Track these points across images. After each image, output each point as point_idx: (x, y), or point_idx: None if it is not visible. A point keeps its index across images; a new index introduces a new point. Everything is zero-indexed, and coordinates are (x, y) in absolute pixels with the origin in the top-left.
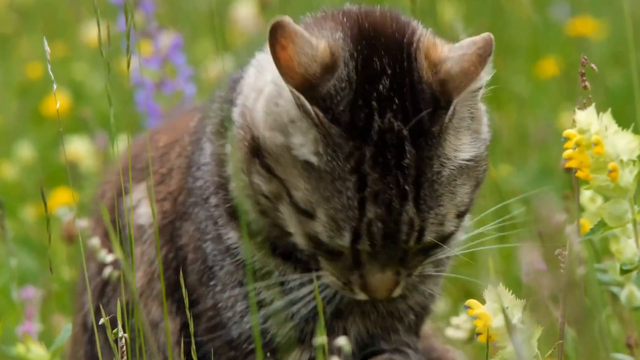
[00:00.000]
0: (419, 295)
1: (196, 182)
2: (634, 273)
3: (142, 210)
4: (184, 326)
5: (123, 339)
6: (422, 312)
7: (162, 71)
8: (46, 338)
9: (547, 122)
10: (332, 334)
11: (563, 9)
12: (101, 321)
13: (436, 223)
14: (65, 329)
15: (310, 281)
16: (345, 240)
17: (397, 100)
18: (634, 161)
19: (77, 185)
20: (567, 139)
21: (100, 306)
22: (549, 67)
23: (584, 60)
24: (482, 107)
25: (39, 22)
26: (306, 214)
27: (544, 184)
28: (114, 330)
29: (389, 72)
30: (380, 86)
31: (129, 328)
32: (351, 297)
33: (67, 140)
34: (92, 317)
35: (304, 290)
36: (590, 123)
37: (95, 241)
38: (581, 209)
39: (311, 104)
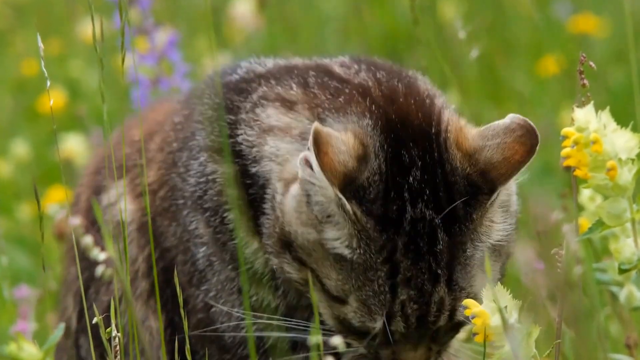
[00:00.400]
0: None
1: (186, 183)
2: (633, 273)
3: (123, 206)
4: (169, 324)
5: (117, 339)
6: None
7: (159, 68)
8: (42, 337)
9: (549, 120)
10: None
11: (565, 7)
12: (94, 320)
13: None
14: (58, 327)
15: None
16: (377, 324)
17: (428, 191)
18: (632, 160)
19: (71, 183)
20: (565, 137)
21: (85, 309)
22: (551, 65)
23: (582, 57)
24: (514, 190)
25: (34, 18)
26: (338, 300)
27: (545, 182)
28: (108, 330)
29: (419, 163)
30: (411, 178)
31: (122, 328)
32: None
33: (62, 137)
34: (74, 321)
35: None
36: (588, 121)
37: (88, 239)
38: (581, 208)
39: (348, 199)
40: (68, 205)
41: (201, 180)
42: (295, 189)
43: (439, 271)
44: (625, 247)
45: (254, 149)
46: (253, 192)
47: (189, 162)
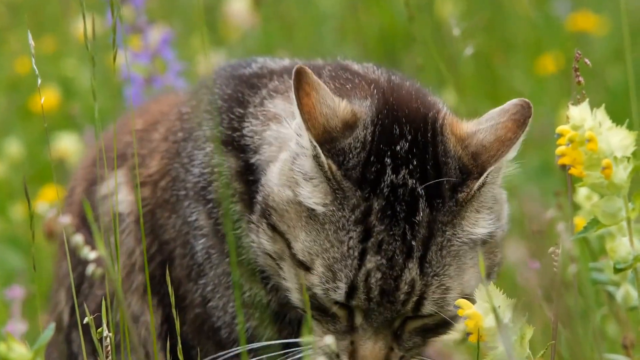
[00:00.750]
0: None
1: (189, 174)
2: (630, 272)
3: (120, 197)
4: (166, 320)
5: (108, 339)
6: None
7: (152, 66)
8: (33, 337)
9: (547, 118)
10: None
11: (563, 5)
12: (85, 320)
13: (438, 293)
14: (48, 327)
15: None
16: (339, 292)
17: (415, 162)
18: (628, 158)
19: (64, 182)
20: (560, 135)
21: (76, 305)
22: (549, 63)
23: (577, 55)
24: (504, 196)
25: (27, 16)
26: (303, 266)
27: (543, 181)
28: (99, 330)
29: (409, 137)
30: (398, 147)
31: (113, 325)
32: None
33: (56, 136)
34: (66, 316)
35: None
36: (584, 119)
37: (78, 238)
38: (576, 207)
39: (326, 157)
40: (60, 203)
41: (206, 171)
42: (284, 154)
43: (414, 243)
44: (621, 246)
45: (256, 137)
46: (255, 189)
47: (194, 153)
